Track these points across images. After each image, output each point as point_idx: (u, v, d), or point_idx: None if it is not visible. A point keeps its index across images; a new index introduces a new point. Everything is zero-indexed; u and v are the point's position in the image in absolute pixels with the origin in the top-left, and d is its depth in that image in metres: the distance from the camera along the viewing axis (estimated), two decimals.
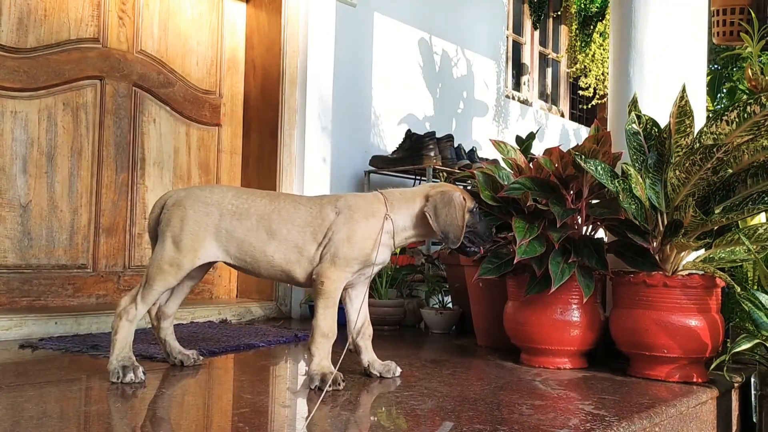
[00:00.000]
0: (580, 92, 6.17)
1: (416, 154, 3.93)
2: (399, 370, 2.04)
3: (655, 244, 2.13)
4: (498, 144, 2.48)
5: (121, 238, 3.23)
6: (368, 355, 2.03)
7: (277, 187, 3.61)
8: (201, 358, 2.16)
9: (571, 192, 2.30)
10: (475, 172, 2.36)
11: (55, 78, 3.04)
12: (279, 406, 1.67)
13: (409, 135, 4.04)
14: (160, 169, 3.39)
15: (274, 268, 1.91)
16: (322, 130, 3.74)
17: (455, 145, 4.20)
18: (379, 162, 4.06)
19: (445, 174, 3.69)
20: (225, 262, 1.95)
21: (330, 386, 1.79)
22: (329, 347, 1.85)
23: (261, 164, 3.70)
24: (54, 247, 3.01)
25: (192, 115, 3.54)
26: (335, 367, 1.84)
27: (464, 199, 1.94)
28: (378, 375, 2.00)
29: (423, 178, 4.08)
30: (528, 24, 6.02)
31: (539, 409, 1.67)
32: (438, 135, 4.15)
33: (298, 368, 2.26)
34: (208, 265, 2.06)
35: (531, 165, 2.40)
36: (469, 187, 2.65)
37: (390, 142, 4.38)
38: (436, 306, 3.28)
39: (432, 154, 3.91)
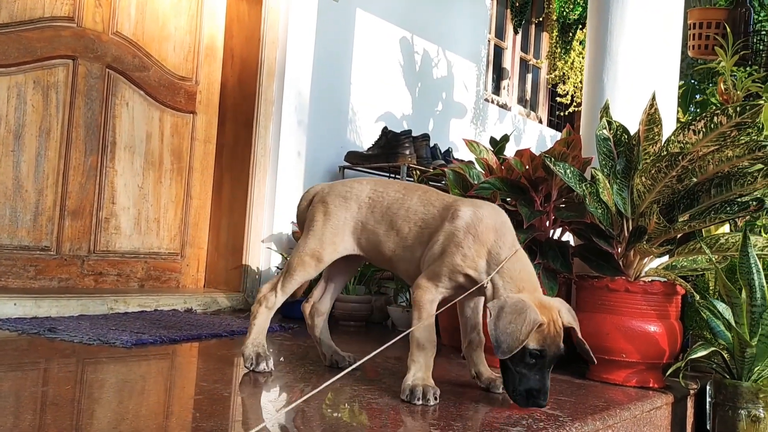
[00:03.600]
0: (558, 99, 6.21)
1: (391, 152, 3.93)
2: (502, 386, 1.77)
3: (619, 249, 2.15)
4: (471, 144, 2.49)
5: (87, 222, 3.18)
6: (475, 367, 1.89)
7: (250, 178, 3.57)
8: (357, 361, 2.02)
9: (540, 194, 2.32)
10: (446, 170, 2.36)
11: (27, 55, 2.98)
12: (235, 395, 1.65)
13: (386, 132, 4.04)
14: (131, 154, 3.34)
15: (384, 262, 1.89)
16: (298, 124, 3.72)
17: (431, 145, 4.20)
18: (355, 158, 4.05)
19: (418, 172, 3.70)
20: (355, 255, 1.94)
21: (419, 400, 1.62)
22: (426, 359, 1.71)
23: (235, 155, 3.67)
24: (17, 227, 2.95)
25: (166, 101, 3.49)
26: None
27: (536, 322, 1.58)
28: (485, 388, 1.85)
29: (398, 176, 4.08)
30: (510, 29, 6.05)
31: (496, 407, 1.67)
32: (414, 134, 4.15)
33: None
34: (358, 261, 2.03)
35: (503, 166, 2.41)
36: (443, 185, 2.65)
37: (366, 138, 4.37)
38: (403, 304, 3.28)
39: (407, 152, 3.91)
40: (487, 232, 1.71)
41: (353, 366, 1.68)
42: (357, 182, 1.95)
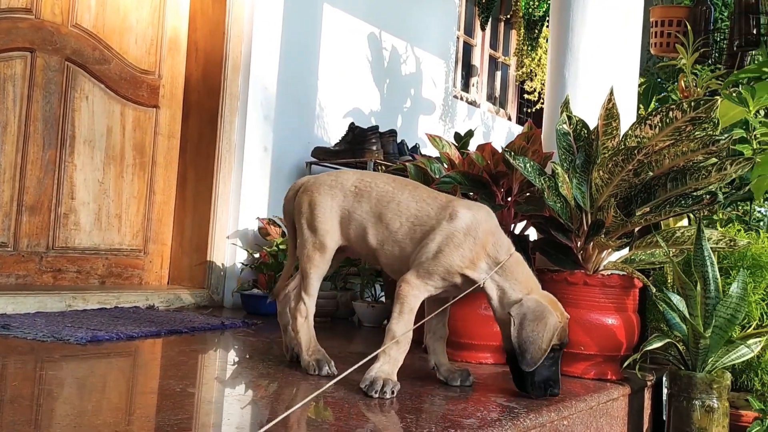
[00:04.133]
0: (526, 96, 6.25)
1: (358, 148, 3.91)
2: (472, 378, 1.87)
3: (579, 243, 2.17)
4: (433, 138, 2.49)
5: (46, 218, 3.12)
6: (436, 357, 1.90)
7: (215, 174, 3.53)
8: (335, 371, 1.91)
9: (502, 189, 2.33)
10: (407, 164, 2.36)
11: None
12: (186, 391, 1.63)
13: (352, 128, 4.03)
14: (91, 148, 3.28)
15: (368, 255, 1.88)
16: (264, 119, 3.69)
17: (398, 141, 4.20)
18: (321, 153, 4.03)
19: (384, 168, 3.69)
20: (343, 247, 1.91)
21: (376, 393, 1.62)
22: (397, 354, 1.70)
23: (199, 150, 3.62)
24: None
25: (128, 95, 3.43)
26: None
27: (558, 326, 1.69)
28: (444, 380, 1.86)
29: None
30: (479, 26, 6.07)
31: (452, 400, 1.67)
32: (382, 130, 4.15)
33: (216, 355, 2.22)
34: (340, 256, 1.99)
35: (465, 160, 2.41)
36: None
37: (333, 134, 4.35)
38: (369, 299, 3.27)
39: (374, 148, 3.90)
40: (486, 235, 1.75)
41: (341, 375, 1.63)
42: (343, 172, 1.95)
